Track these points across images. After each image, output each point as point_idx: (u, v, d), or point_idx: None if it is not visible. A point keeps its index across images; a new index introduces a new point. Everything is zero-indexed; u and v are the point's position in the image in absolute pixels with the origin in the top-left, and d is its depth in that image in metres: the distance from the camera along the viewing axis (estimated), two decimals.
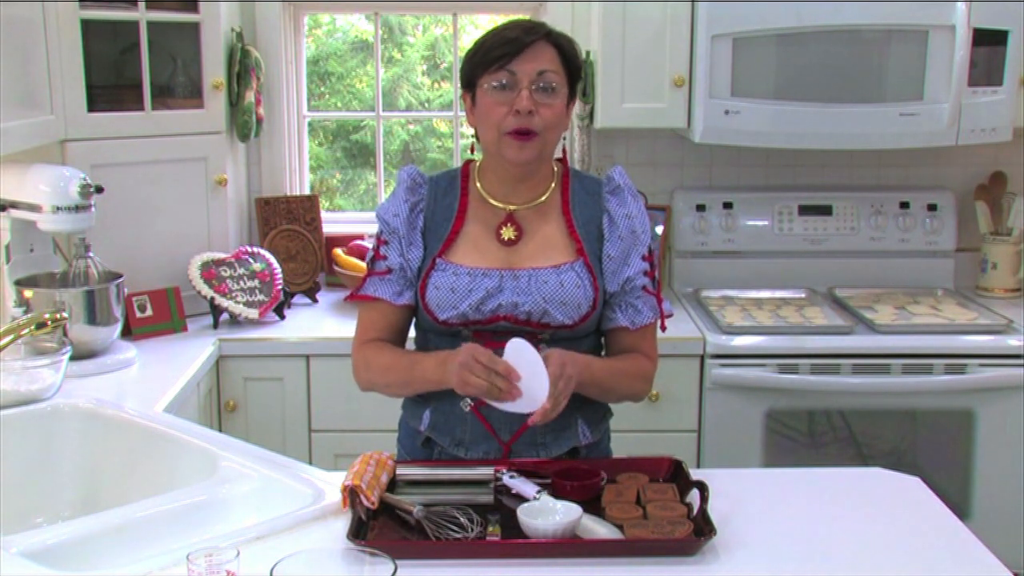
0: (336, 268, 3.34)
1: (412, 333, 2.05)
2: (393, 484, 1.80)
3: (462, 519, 1.64)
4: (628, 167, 2.39)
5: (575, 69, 1.94)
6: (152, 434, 2.10)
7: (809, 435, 3.00)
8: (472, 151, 2.04)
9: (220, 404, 2.94)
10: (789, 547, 1.64)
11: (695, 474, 1.81)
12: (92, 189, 2.54)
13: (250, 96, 3.22)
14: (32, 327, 2.11)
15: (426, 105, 4.63)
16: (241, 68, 3.19)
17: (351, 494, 1.69)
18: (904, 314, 3.11)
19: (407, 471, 1.83)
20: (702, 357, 2.94)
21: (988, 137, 3.05)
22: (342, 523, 1.66)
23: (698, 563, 1.58)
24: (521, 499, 1.73)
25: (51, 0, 2.67)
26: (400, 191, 2.00)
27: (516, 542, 1.61)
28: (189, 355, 2.75)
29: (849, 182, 3.52)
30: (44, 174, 2.54)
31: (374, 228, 2.04)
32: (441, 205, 1.98)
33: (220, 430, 2.72)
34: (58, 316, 2.14)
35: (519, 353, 1.79)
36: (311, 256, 3.37)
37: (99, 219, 2.61)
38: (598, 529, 1.65)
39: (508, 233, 1.96)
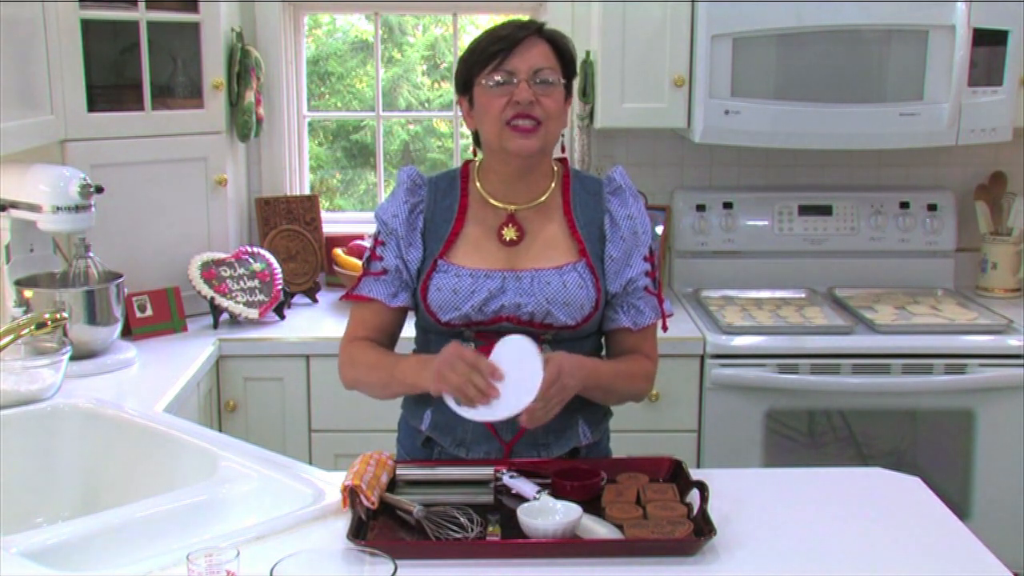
0: (336, 268, 3.34)
1: (412, 333, 2.05)
2: (393, 484, 1.80)
3: (462, 519, 1.64)
4: (628, 167, 2.39)
5: (570, 65, 1.94)
6: (152, 434, 2.10)
7: (809, 435, 3.00)
8: (475, 153, 2.03)
9: (220, 404, 2.94)
10: (789, 547, 1.64)
11: (695, 474, 1.81)
12: (92, 189, 2.54)
13: (250, 96, 3.22)
14: (32, 327, 2.11)
15: (426, 105, 4.63)
16: (241, 68, 3.19)
17: (351, 494, 1.69)
18: (904, 314, 3.11)
19: (407, 471, 1.83)
20: (702, 357, 2.94)
21: (988, 137, 3.05)
22: (342, 523, 1.66)
23: (698, 563, 1.58)
24: (521, 499, 1.73)
25: (51, 0, 2.67)
26: (400, 192, 2.00)
27: (516, 542, 1.61)
28: (189, 355, 2.75)
29: (849, 182, 3.52)
30: (44, 174, 2.54)
31: (374, 228, 2.04)
32: (441, 206, 1.98)
33: (220, 430, 2.72)
34: (58, 316, 2.14)
35: (512, 350, 1.78)
36: (311, 256, 3.37)
37: (99, 219, 2.61)
38: (598, 529, 1.65)
39: (510, 234, 1.96)
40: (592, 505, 1.71)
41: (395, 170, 2.56)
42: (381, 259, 1.98)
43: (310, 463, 2.49)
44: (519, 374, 1.77)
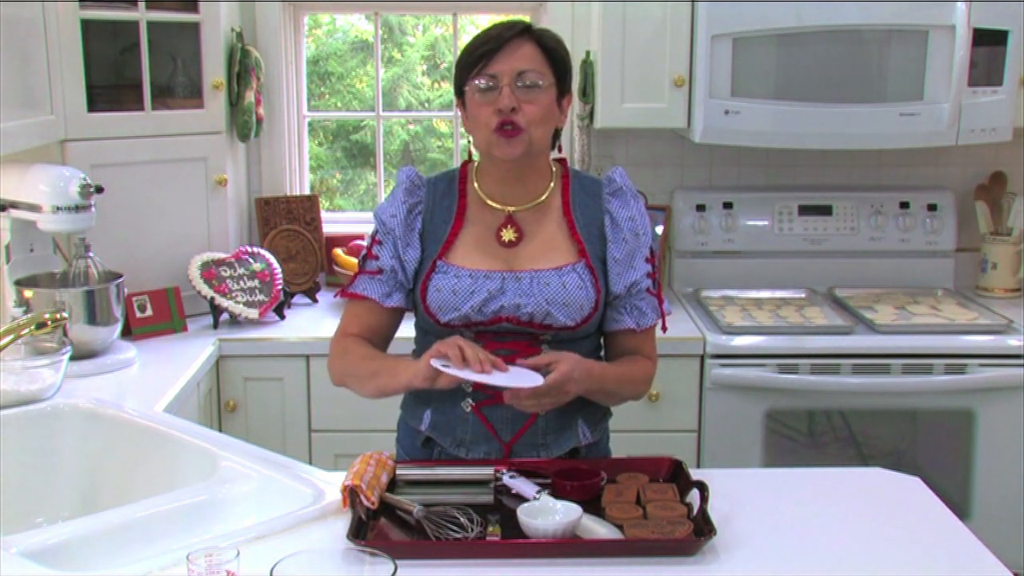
0: (336, 268, 3.34)
1: (412, 333, 2.05)
2: (393, 484, 1.80)
3: (462, 519, 1.64)
4: (628, 167, 2.39)
5: (560, 63, 1.92)
6: (152, 434, 2.10)
7: (809, 435, 3.00)
8: (469, 155, 2.04)
9: (220, 404, 2.94)
10: (789, 547, 1.64)
11: (695, 474, 1.81)
12: (92, 189, 2.54)
13: (250, 96, 3.22)
14: (32, 327, 2.11)
15: (426, 105, 4.63)
16: (241, 68, 3.19)
17: (351, 494, 1.69)
18: (904, 314, 3.11)
19: (407, 471, 1.83)
20: (702, 357, 2.94)
21: (988, 137, 3.05)
22: (342, 523, 1.66)
23: (698, 563, 1.58)
24: (521, 499, 1.73)
25: (51, 0, 2.67)
26: (398, 192, 2.00)
27: (516, 542, 1.61)
28: (189, 355, 2.75)
29: (849, 182, 3.52)
30: (44, 174, 2.54)
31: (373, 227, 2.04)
32: (440, 207, 1.98)
33: (220, 430, 2.72)
34: (58, 316, 2.14)
35: (521, 372, 1.79)
36: (311, 256, 3.37)
37: (99, 219, 2.61)
38: (598, 529, 1.65)
39: (508, 235, 1.96)
40: (592, 505, 1.71)
41: (395, 170, 2.56)
42: (377, 258, 1.98)
43: (310, 463, 2.49)
44: (519, 373, 1.78)
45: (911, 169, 3.52)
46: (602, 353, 2.08)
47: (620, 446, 2.17)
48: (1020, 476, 2.95)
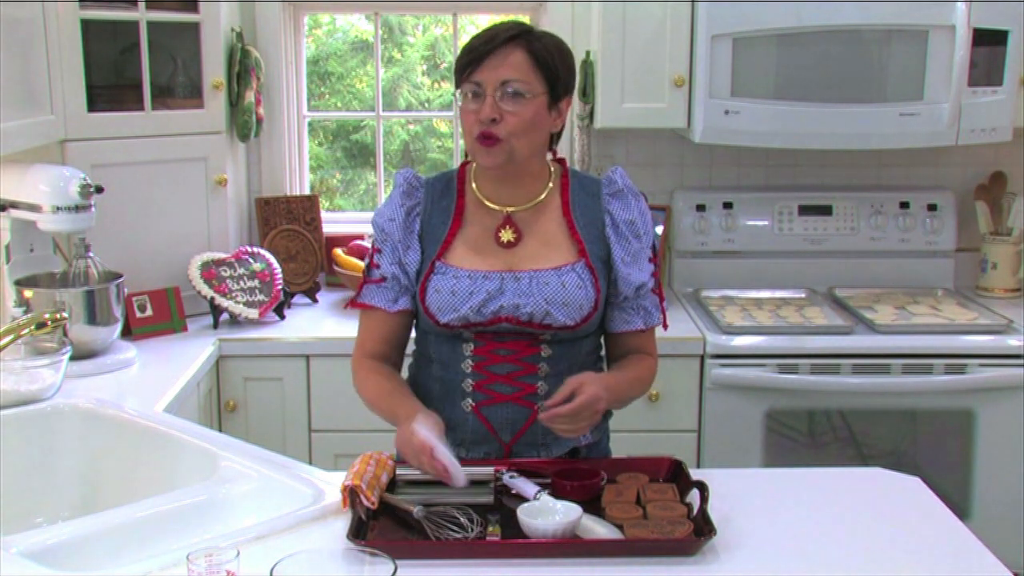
0: (336, 268, 3.34)
1: (412, 333, 2.06)
2: (393, 484, 1.80)
3: (462, 519, 1.64)
4: (628, 167, 2.40)
5: (551, 71, 1.88)
6: (152, 434, 2.10)
7: (809, 435, 3.00)
8: (467, 156, 2.04)
9: (220, 404, 2.94)
10: (789, 547, 1.64)
11: (695, 474, 1.81)
12: (92, 189, 2.54)
13: (250, 96, 3.22)
14: (32, 327, 2.11)
15: (426, 105, 4.63)
16: (241, 68, 3.19)
17: (351, 494, 1.69)
18: (904, 314, 3.11)
19: (407, 471, 1.83)
20: (702, 357, 2.94)
21: (988, 137, 3.05)
22: (342, 523, 1.66)
23: (698, 563, 1.58)
24: (521, 499, 1.73)
25: (51, 0, 2.67)
26: (396, 195, 2.00)
27: (516, 542, 1.61)
28: (189, 355, 2.75)
29: (849, 182, 3.52)
30: (44, 174, 2.54)
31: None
32: (438, 208, 1.98)
33: (220, 430, 2.72)
34: (58, 316, 2.14)
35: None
36: (311, 256, 3.37)
37: (99, 219, 2.61)
38: (598, 529, 1.65)
39: (507, 235, 1.96)
40: (592, 505, 1.71)
41: (395, 170, 2.56)
42: (378, 266, 1.99)
43: (310, 463, 2.49)
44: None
45: (911, 169, 3.52)
46: (602, 353, 2.08)
47: (620, 446, 2.17)
48: (1020, 476, 2.95)
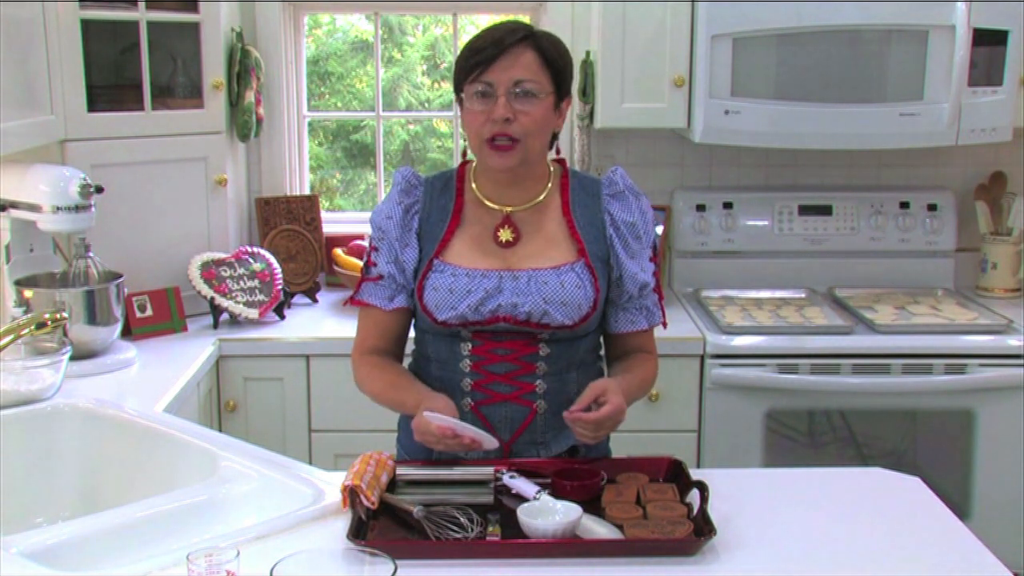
0: (336, 268, 3.34)
1: (412, 333, 2.06)
2: (393, 484, 1.80)
3: (462, 519, 1.64)
4: (628, 167, 2.40)
5: (560, 71, 1.90)
6: (152, 434, 2.10)
7: (809, 435, 3.00)
8: (464, 155, 2.04)
9: (220, 404, 2.94)
10: (789, 547, 1.64)
11: (695, 474, 1.81)
12: (92, 189, 2.54)
13: (250, 96, 3.22)
14: (32, 327, 2.11)
15: (426, 105, 4.63)
16: (241, 68, 3.19)
17: (351, 494, 1.69)
18: (904, 314, 3.11)
19: (407, 471, 1.83)
20: (702, 357, 2.94)
21: (988, 137, 3.05)
22: (342, 523, 1.66)
23: (698, 563, 1.58)
24: (521, 499, 1.73)
25: (51, 0, 2.67)
26: (394, 193, 2.00)
27: (516, 542, 1.61)
28: (189, 355, 2.75)
29: (849, 182, 3.52)
30: (44, 174, 2.54)
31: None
32: (436, 206, 1.98)
33: (220, 430, 2.72)
34: (58, 316, 2.14)
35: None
36: (311, 256, 3.37)
37: (99, 219, 2.61)
38: (598, 529, 1.65)
39: (505, 235, 1.96)
40: (592, 505, 1.71)
41: (395, 170, 2.56)
42: (375, 264, 1.99)
43: (310, 463, 2.49)
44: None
45: (911, 169, 3.52)
46: (601, 352, 2.08)
47: (620, 446, 2.17)
48: (1020, 476, 2.95)
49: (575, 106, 3.24)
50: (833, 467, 2.48)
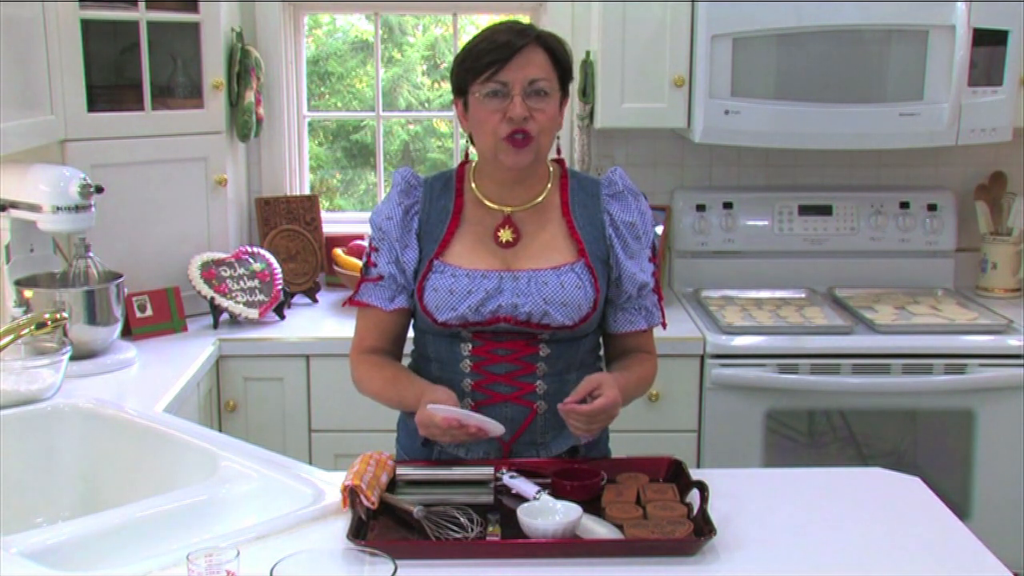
0: (336, 268, 3.34)
1: (411, 333, 2.06)
2: (393, 484, 1.80)
3: (462, 519, 1.64)
4: (628, 167, 2.40)
5: (566, 70, 1.93)
6: (152, 434, 2.10)
7: (809, 435, 3.00)
8: (466, 156, 2.04)
9: (220, 404, 2.94)
10: (789, 547, 1.64)
11: (695, 474, 1.81)
12: (92, 189, 2.54)
13: (250, 96, 3.22)
14: (32, 327, 2.11)
15: (426, 105, 4.63)
16: (241, 68, 3.19)
17: (351, 494, 1.69)
18: (904, 314, 3.11)
19: (407, 471, 1.83)
20: (702, 357, 2.94)
21: (988, 137, 3.05)
22: (342, 523, 1.66)
23: (698, 563, 1.58)
24: (521, 499, 1.73)
25: (51, 0, 2.67)
26: (394, 194, 2.00)
27: (516, 542, 1.61)
28: (189, 355, 2.75)
29: (849, 182, 3.52)
30: (44, 174, 2.54)
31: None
32: (436, 207, 1.98)
33: (220, 430, 2.72)
34: (58, 316, 2.14)
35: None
36: (311, 256, 3.37)
37: (99, 219, 2.61)
38: (598, 529, 1.65)
39: (505, 236, 1.96)
40: (592, 505, 1.71)
41: (394, 171, 2.56)
42: (375, 265, 1.99)
43: (310, 463, 2.49)
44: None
45: (911, 169, 3.52)
46: (601, 352, 2.08)
47: (620, 446, 2.17)
48: (1020, 476, 2.95)
49: (575, 106, 3.24)
50: (833, 467, 2.48)
